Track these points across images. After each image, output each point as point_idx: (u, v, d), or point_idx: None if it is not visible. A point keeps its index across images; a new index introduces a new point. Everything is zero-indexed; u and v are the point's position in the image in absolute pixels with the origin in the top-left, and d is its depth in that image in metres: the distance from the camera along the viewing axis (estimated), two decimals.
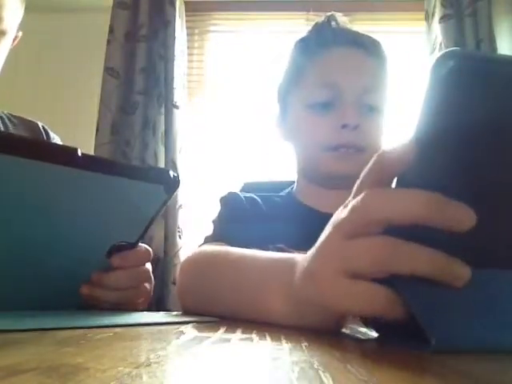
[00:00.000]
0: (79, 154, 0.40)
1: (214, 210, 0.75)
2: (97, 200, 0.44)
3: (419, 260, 0.27)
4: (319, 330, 0.34)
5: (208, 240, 0.68)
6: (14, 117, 0.95)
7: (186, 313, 0.55)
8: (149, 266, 0.57)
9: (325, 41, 0.73)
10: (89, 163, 0.41)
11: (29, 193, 0.40)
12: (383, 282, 0.28)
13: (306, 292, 0.34)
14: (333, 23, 0.75)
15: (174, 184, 0.47)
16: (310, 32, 0.77)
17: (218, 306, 0.48)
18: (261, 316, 0.41)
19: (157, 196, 0.47)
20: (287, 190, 0.80)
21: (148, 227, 0.50)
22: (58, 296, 0.48)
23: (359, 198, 0.29)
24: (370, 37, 0.75)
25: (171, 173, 0.47)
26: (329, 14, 0.77)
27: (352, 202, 0.30)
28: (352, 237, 0.29)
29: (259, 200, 0.74)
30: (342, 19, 0.77)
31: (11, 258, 0.44)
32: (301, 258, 0.36)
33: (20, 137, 0.39)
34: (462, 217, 0.25)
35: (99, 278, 0.50)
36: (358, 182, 0.31)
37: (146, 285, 0.57)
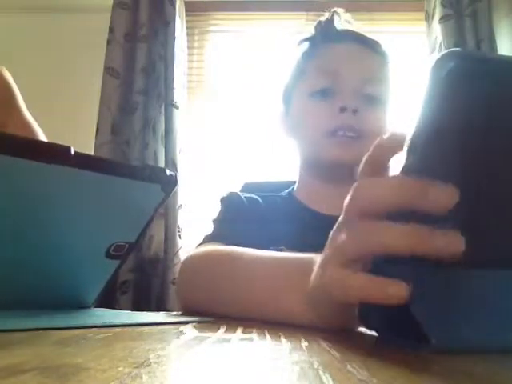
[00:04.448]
0: (72, 152, 0.40)
1: (214, 209, 0.75)
2: (92, 199, 0.44)
3: (393, 234, 0.26)
4: (321, 330, 0.34)
5: (207, 239, 0.68)
6: None
7: (185, 311, 0.55)
8: None
9: (328, 38, 0.75)
10: (82, 162, 0.41)
11: (21, 192, 0.40)
12: None
13: (316, 286, 0.34)
14: (336, 19, 0.77)
15: (171, 183, 0.47)
16: (314, 29, 0.79)
17: (226, 305, 0.48)
18: (277, 316, 0.40)
19: (154, 195, 0.47)
20: (288, 190, 0.80)
21: (147, 226, 0.50)
22: (57, 296, 0.48)
23: (351, 189, 0.30)
24: (372, 38, 0.76)
25: (168, 171, 0.47)
26: (332, 10, 0.78)
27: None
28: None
29: (260, 200, 0.74)
30: (346, 16, 0.78)
31: (8, 258, 0.43)
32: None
33: (10, 135, 0.39)
34: (441, 196, 0.25)
35: None
36: (359, 169, 0.32)
37: None
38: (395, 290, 0.26)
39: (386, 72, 0.75)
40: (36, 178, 0.40)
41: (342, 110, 0.68)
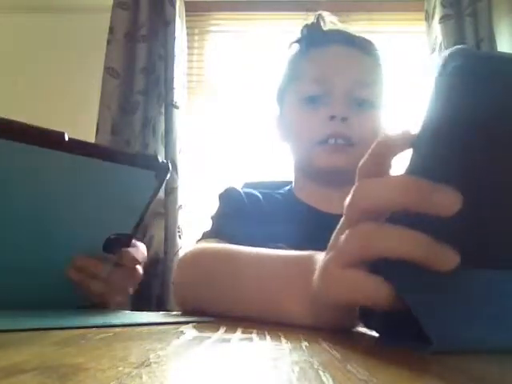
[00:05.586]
0: (66, 137, 0.40)
1: (213, 206, 0.75)
2: (86, 186, 0.44)
3: (402, 240, 0.26)
4: (321, 330, 0.34)
5: (206, 236, 0.67)
6: None
7: (181, 309, 0.54)
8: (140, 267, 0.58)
9: (317, 40, 0.74)
10: (76, 147, 0.41)
11: (14, 177, 0.40)
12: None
13: (317, 287, 0.34)
14: (322, 23, 0.77)
15: (164, 170, 0.47)
16: (302, 33, 0.79)
17: (225, 303, 0.48)
18: (277, 315, 0.40)
19: (148, 183, 0.47)
20: (287, 187, 0.80)
21: (142, 217, 0.50)
22: (58, 296, 0.48)
23: (352, 190, 0.30)
24: (362, 37, 0.76)
25: (160, 158, 0.48)
26: (317, 13, 0.78)
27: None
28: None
29: (260, 196, 0.74)
30: (330, 18, 0.78)
31: (9, 261, 0.43)
32: (321, 257, 0.36)
33: (5, 120, 0.39)
34: (445, 201, 0.25)
35: (94, 266, 0.50)
36: (359, 166, 0.31)
37: (130, 286, 0.57)
38: (378, 294, 0.27)
39: (377, 73, 0.74)
40: (28, 163, 0.40)
41: (332, 118, 0.68)
